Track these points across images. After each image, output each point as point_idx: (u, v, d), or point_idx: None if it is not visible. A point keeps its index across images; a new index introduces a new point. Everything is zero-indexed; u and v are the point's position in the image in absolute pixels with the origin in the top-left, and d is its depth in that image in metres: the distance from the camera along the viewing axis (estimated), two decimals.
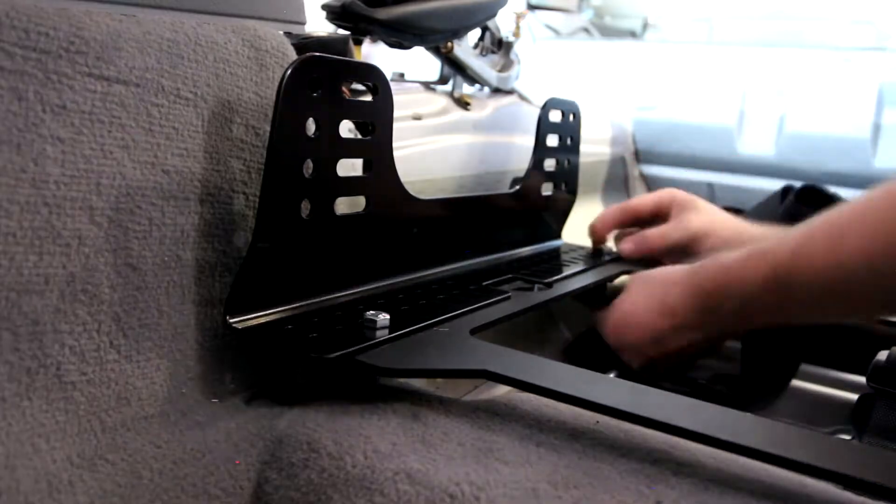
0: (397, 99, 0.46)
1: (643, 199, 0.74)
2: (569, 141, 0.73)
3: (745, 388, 0.60)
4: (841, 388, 0.65)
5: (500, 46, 0.86)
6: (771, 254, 0.48)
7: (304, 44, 0.49)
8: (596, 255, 0.73)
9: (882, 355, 0.50)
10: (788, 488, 0.32)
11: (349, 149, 0.44)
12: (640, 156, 1.28)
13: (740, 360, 0.61)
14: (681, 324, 0.54)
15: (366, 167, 0.46)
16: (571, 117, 0.73)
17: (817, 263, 0.45)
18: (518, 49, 0.88)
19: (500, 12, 0.78)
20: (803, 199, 0.91)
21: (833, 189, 0.93)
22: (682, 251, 0.67)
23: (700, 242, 0.67)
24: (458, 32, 0.73)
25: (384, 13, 0.61)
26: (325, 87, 0.40)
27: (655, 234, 0.71)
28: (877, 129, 1.10)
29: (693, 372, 0.69)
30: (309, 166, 0.41)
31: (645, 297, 0.57)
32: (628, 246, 0.71)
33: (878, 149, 1.10)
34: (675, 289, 0.54)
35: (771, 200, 0.96)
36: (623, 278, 0.67)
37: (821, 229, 0.46)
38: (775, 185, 1.01)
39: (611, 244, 0.76)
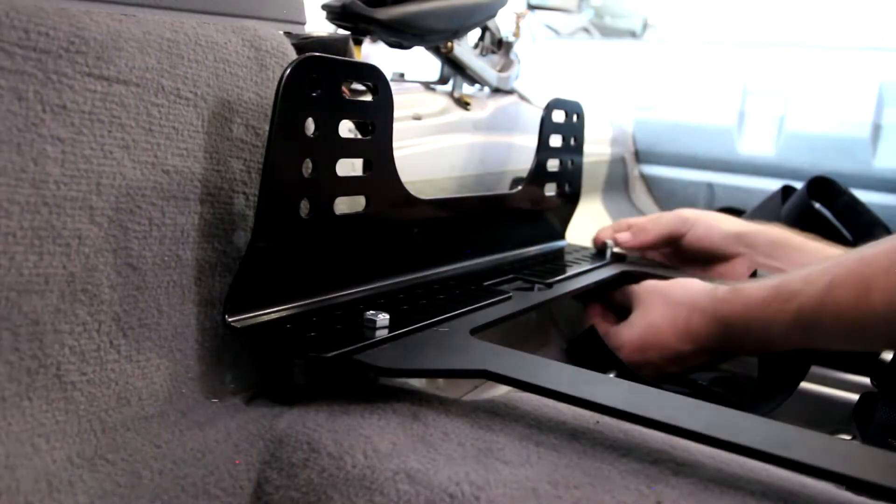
0: (397, 99, 0.46)
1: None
2: (572, 141, 0.73)
3: (756, 391, 0.60)
4: (841, 388, 0.65)
5: (500, 46, 0.86)
6: (796, 298, 0.50)
7: (304, 44, 0.49)
8: (599, 256, 0.73)
9: (887, 355, 0.50)
10: (788, 488, 0.32)
11: (349, 149, 0.44)
12: (640, 156, 1.28)
13: (758, 365, 0.61)
14: (703, 348, 0.57)
15: (366, 167, 0.46)
16: (575, 118, 0.73)
17: (844, 312, 0.47)
18: (518, 49, 0.88)
19: (500, 12, 0.78)
20: (813, 192, 0.91)
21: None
22: (672, 236, 0.72)
23: (686, 223, 0.72)
24: (458, 32, 0.73)
25: (384, 13, 0.61)
26: (325, 86, 0.40)
27: (648, 221, 0.75)
28: (877, 129, 1.10)
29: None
30: (308, 166, 0.41)
31: (668, 319, 0.59)
32: (625, 235, 0.75)
33: (878, 149, 1.10)
34: (697, 316, 0.57)
35: (771, 200, 0.96)
36: (634, 287, 0.68)
37: (848, 279, 0.48)
38: (775, 184, 1.01)
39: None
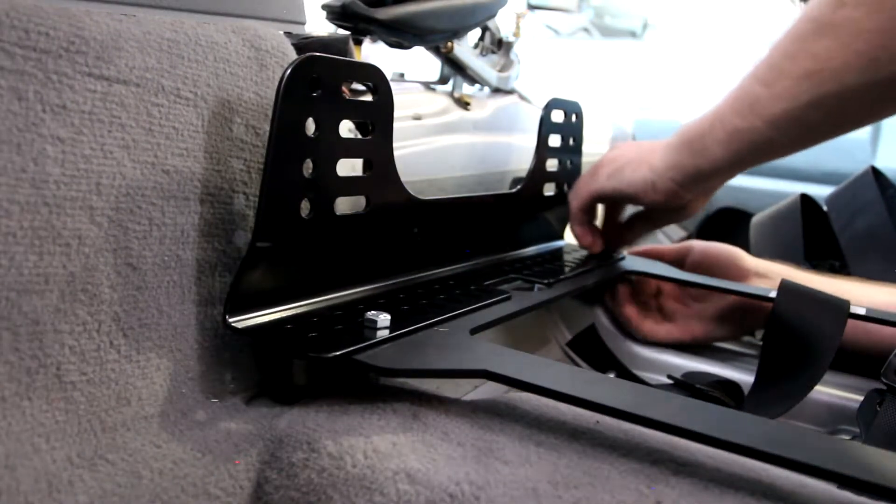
0: (397, 99, 0.46)
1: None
2: (571, 141, 0.73)
3: (756, 396, 0.60)
4: (841, 388, 0.65)
5: (500, 46, 0.86)
6: (728, 123, 0.60)
7: (304, 44, 0.49)
8: (598, 256, 0.73)
9: None
10: (788, 488, 0.32)
11: (349, 149, 0.44)
12: None
13: (758, 366, 0.61)
14: (662, 171, 0.65)
15: (366, 167, 0.46)
16: (574, 117, 0.73)
17: (766, 115, 0.58)
18: (518, 49, 0.88)
19: (500, 12, 0.78)
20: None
21: (831, 189, 0.92)
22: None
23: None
24: (458, 32, 0.73)
25: (384, 13, 0.61)
26: (325, 86, 0.40)
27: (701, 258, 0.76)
28: (877, 129, 1.10)
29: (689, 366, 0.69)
30: (308, 166, 0.41)
31: (636, 149, 0.69)
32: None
33: (878, 149, 1.10)
34: (659, 148, 0.66)
35: (789, 210, 0.94)
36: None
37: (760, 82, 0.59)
38: (775, 184, 1.01)
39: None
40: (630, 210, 0.76)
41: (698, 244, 0.76)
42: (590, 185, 0.71)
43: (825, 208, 0.90)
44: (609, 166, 0.69)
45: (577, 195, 0.72)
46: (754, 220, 0.96)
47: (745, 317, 0.72)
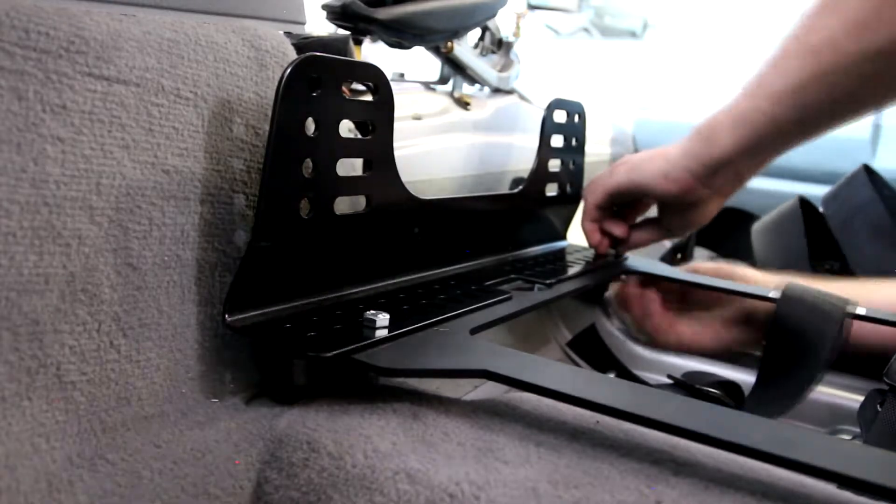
0: (397, 99, 0.46)
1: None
2: (573, 142, 0.73)
3: (757, 396, 0.60)
4: (841, 388, 0.65)
5: (500, 46, 0.86)
6: (735, 107, 0.62)
7: (304, 44, 0.49)
8: (600, 257, 0.73)
9: None
10: (788, 488, 0.32)
11: (349, 148, 0.44)
12: None
13: (759, 366, 0.61)
14: (676, 160, 0.67)
15: (366, 167, 0.46)
16: (576, 118, 0.72)
17: (769, 92, 0.60)
18: (518, 49, 0.88)
19: (500, 12, 0.78)
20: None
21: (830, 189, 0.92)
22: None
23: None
24: (458, 32, 0.73)
25: (384, 13, 0.61)
26: (325, 86, 0.40)
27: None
28: (877, 129, 1.10)
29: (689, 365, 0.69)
30: (308, 166, 0.41)
31: (653, 151, 0.70)
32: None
33: (878, 149, 1.10)
34: (675, 147, 0.68)
35: (790, 214, 0.93)
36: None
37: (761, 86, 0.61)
38: (775, 184, 1.01)
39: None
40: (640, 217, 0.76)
41: (702, 265, 0.76)
42: (607, 181, 0.71)
43: (822, 209, 0.90)
44: (627, 163, 0.71)
45: (594, 190, 0.72)
46: (755, 227, 0.96)
47: (748, 327, 0.72)
